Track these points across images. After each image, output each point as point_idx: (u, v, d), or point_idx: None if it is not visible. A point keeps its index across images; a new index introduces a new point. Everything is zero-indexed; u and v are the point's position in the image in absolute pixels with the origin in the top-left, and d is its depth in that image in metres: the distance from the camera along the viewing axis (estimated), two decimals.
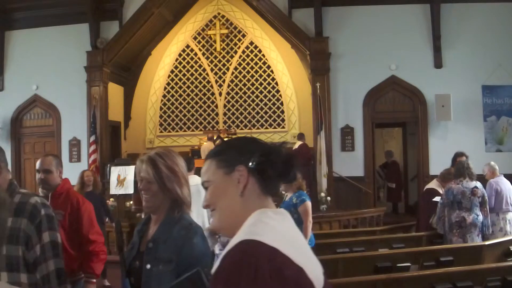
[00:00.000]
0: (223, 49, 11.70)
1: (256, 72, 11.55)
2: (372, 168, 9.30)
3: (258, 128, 11.53)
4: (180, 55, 11.85)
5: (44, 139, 10.29)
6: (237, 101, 11.65)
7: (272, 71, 11.49)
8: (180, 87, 11.85)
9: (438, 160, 7.96)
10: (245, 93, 11.59)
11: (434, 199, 5.41)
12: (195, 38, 11.84)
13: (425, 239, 5.22)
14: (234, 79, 11.65)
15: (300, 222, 4.15)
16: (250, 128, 11.49)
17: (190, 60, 11.84)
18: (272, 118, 11.51)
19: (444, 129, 8.99)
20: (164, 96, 11.88)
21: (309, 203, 4.27)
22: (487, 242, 4.51)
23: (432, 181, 5.97)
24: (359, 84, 9.15)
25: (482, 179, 5.93)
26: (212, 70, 11.76)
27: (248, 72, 11.58)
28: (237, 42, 11.65)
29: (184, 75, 11.85)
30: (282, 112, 11.47)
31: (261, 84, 11.52)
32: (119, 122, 11.26)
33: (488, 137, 8.89)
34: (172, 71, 11.88)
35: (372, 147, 9.35)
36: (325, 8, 9.35)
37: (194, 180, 4.42)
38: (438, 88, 8.81)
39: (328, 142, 8.98)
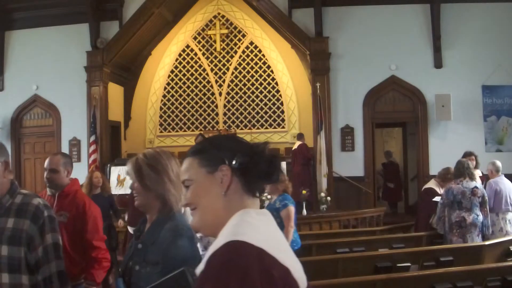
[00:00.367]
0: (223, 49, 11.70)
1: (256, 72, 11.54)
2: (372, 168, 9.30)
3: (258, 128, 11.53)
4: (180, 55, 11.85)
5: (44, 139, 10.29)
6: (237, 101, 11.64)
7: (272, 71, 11.48)
8: (180, 87, 11.84)
9: (438, 160, 7.96)
10: (245, 93, 11.59)
11: (434, 199, 5.42)
12: (195, 38, 11.84)
13: (425, 239, 5.22)
14: (234, 79, 11.65)
15: (282, 227, 4.07)
16: (250, 128, 11.48)
17: (190, 60, 11.84)
18: (272, 118, 11.50)
19: (444, 129, 8.99)
20: (164, 96, 11.88)
21: (292, 208, 4.16)
22: (487, 242, 4.51)
23: (431, 181, 5.98)
24: (359, 84, 9.15)
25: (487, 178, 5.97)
26: (212, 70, 11.76)
27: (248, 72, 11.58)
28: (237, 42, 11.65)
29: (184, 75, 11.85)
30: (282, 112, 11.47)
31: (261, 84, 11.51)
32: (119, 122, 11.25)
33: (488, 137, 8.89)
34: (172, 71, 11.87)
35: (372, 147, 9.35)
36: (325, 8, 9.35)
37: None
38: (438, 88, 8.81)
39: (328, 142, 8.98)
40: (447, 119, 8.71)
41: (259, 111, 11.53)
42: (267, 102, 11.50)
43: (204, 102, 11.77)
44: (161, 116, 11.91)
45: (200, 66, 11.79)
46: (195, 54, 11.82)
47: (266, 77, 11.50)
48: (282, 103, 11.45)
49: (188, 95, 11.80)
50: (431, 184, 5.83)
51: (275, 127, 11.51)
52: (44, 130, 10.26)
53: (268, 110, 11.51)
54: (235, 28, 11.64)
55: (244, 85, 11.58)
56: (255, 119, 11.55)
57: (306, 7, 9.42)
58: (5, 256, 1.86)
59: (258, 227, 1.05)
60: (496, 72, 8.74)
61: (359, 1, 9.25)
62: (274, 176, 1.17)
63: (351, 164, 9.11)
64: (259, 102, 11.52)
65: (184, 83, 11.82)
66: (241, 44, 11.62)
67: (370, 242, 5.11)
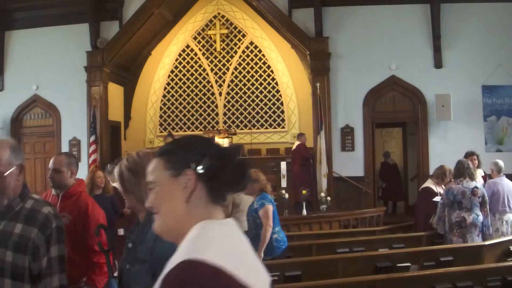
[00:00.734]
0: (223, 49, 11.70)
1: (256, 72, 11.55)
2: (372, 168, 9.30)
3: (258, 128, 11.53)
4: (180, 55, 11.86)
5: (44, 139, 10.29)
6: (237, 101, 11.65)
7: (272, 71, 11.49)
8: (180, 87, 11.85)
9: (438, 160, 7.95)
10: (245, 93, 11.59)
11: (434, 199, 5.42)
12: (195, 38, 11.85)
13: (425, 239, 5.22)
14: (234, 79, 11.65)
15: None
16: (250, 128, 11.49)
17: (190, 60, 11.84)
18: (272, 118, 11.50)
19: (444, 129, 8.99)
20: (164, 96, 11.89)
21: (269, 207, 4.09)
22: (487, 242, 4.51)
23: (427, 180, 5.99)
24: (359, 84, 9.15)
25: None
26: (212, 70, 11.76)
27: (248, 72, 11.58)
28: (237, 42, 11.65)
29: (184, 75, 11.85)
30: (282, 112, 11.47)
31: (261, 84, 11.51)
32: (119, 122, 11.25)
33: (488, 137, 8.90)
34: (172, 71, 11.88)
35: (372, 147, 9.35)
36: (325, 8, 9.35)
37: None
38: (438, 88, 8.81)
39: (328, 142, 8.98)
40: (447, 119, 8.71)
41: (259, 111, 11.53)
42: (267, 102, 11.50)
43: (204, 102, 11.77)
44: (161, 116, 11.91)
45: (200, 66, 11.80)
46: (195, 54, 11.83)
47: (266, 77, 11.50)
48: (282, 103, 11.45)
49: (188, 95, 11.81)
50: (428, 183, 5.84)
51: (275, 127, 11.51)
52: (44, 130, 10.25)
53: (268, 110, 11.51)
54: (235, 28, 11.64)
55: (244, 85, 11.58)
56: (255, 119, 11.55)
57: (306, 7, 9.42)
58: (9, 262, 1.83)
59: (220, 240, 0.99)
60: (496, 72, 8.74)
61: (359, 1, 9.25)
62: (241, 185, 1.12)
63: (351, 164, 9.10)
64: (259, 102, 11.52)
65: (184, 83, 11.82)
66: (241, 44, 11.63)
67: (370, 242, 5.11)
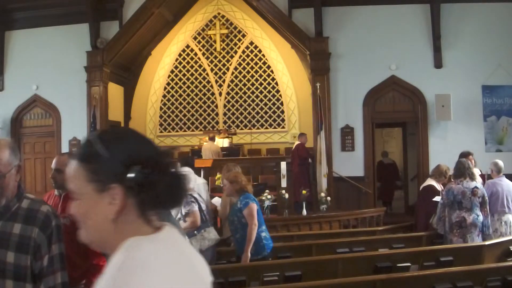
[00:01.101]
0: (223, 49, 11.70)
1: (256, 72, 11.55)
2: (372, 168, 9.29)
3: (258, 128, 11.53)
4: (180, 55, 11.86)
5: (44, 139, 10.29)
6: (237, 101, 11.65)
7: (272, 71, 11.49)
8: (180, 87, 11.85)
9: (438, 160, 7.92)
10: (245, 93, 11.59)
11: (434, 199, 5.42)
12: (195, 38, 11.85)
13: (425, 239, 5.22)
14: (234, 79, 11.66)
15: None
16: (250, 128, 11.49)
17: (190, 60, 11.85)
18: (272, 118, 11.51)
19: (444, 129, 8.99)
20: (164, 96, 11.89)
21: (253, 205, 4.11)
22: (487, 242, 4.51)
23: (428, 179, 5.97)
24: (359, 84, 9.15)
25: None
26: (212, 70, 11.77)
27: (248, 72, 11.59)
28: (237, 42, 11.66)
29: (184, 75, 11.85)
30: (282, 112, 11.48)
31: (261, 84, 11.52)
32: (119, 122, 11.25)
33: (488, 137, 8.89)
34: (172, 71, 11.88)
35: (372, 147, 9.35)
36: (325, 8, 9.35)
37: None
38: (438, 88, 8.81)
39: (328, 142, 8.97)
40: (447, 119, 8.71)
41: (259, 111, 11.54)
42: (267, 102, 11.50)
43: (204, 102, 11.77)
44: (161, 116, 11.91)
45: (200, 66, 11.80)
46: (195, 54, 11.83)
47: (266, 77, 11.50)
48: (282, 103, 11.46)
49: (188, 95, 11.81)
50: (430, 181, 5.83)
51: (275, 127, 11.52)
52: (44, 130, 10.25)
53: (268, 110, 11.52)
54: (235, 28, 11.64)
55: (244, 85, 11.59)
56: (255, 119, 11.55)
57: (306, 7, 9.41)
58: (11, 263, 1.83)
59: (149, 264, 0.86)
60: (496, 72, 8.74)
61: (359, 1, 9.25)
62: (175, 203, 0.98)
63: (351, 164, 9.10)
64: (259, 102, 11.52)
65: (184, 83, 11.83)
66: (241, 44, 11.63)
67: (370, 242, 5.11)
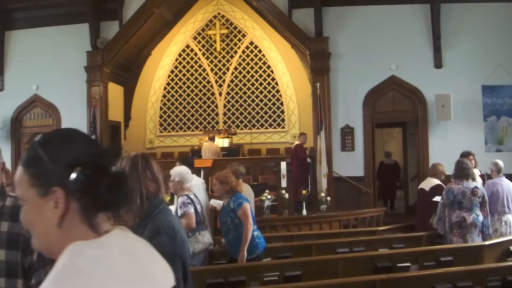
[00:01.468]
0: (223, 49, 11.71)
1: (256, 72, 11.55)
2: (372, 168, 9.29)
3: (258, 128, 11.53)
4: (180, 55, 11.86)
5: None
6: (237, 101, 11.65)
7: (272, 71, 11.49)
8: (180, 87, 11.85)
9: (438, 160, 7.91)
10: (245, 93, 11.60)
11: (434, 199, 5.41)
12: (195, 38, 11.85)
13: (425, 239, 5.22)
14: (234, 79, 11.66)
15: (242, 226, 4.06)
16: (250, 128, 11.49)
17: (190, 60, 11.85)
18: (272, 118, 11.51)
19: (444, 129, 8.99)
20: (164, 96, 11.89)
21: (247, 205, 4.12)
22: (487, 242, 4.51)
23: (431, 179, 5.91)
24: (359, 84, 9.15)
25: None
26: (212, 70, 11.77)
27: (248, 72, 11.59)
28: (237, 42, 11.66)
29: (184, 75, 11.85)
30: (282, 112, 11.48)
31: (261, 84, 11.52)
32: (119, 122, 11.26)
33: (488, 137, 8.89)
34: (172, 71, 11.88)
35: (372, 147, 9.34)
36: (325, 8, 9.35)
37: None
38: (438, 88, 8.81)
39: (328, 142, 8.97)
40: (447, 119, 8.71)
41: (259, 111, 11.54)
42: (267, 102, 11.50)
43: (204, 102, 11.78)
44: (161, 116, 11.92)
45: (200, 66, 11.80)
46: (195, 54, 11.83)
47: (266, 77, 11.51)
48: (282, 103, 11.46)
49: (188, 95, 11.81)
50: (436, 181, 5.79)
51: (275, 127, 11.52)
52: (44, 130, 10.17)
53: (268, 110, 11.52)
54: (235, 28, 11.65)
55: (244, 85, 11.59)
56: (255, 119, 11.55)
57: (306, 7, 9.41)
58: (3, 261, 1.84)
59: (87, 271, 0.84)
60: (496, 72, 8.74)
61: (359, 1, 9.24)
62: (118, 205, 0.94)
63: (351, 164, 9.10)
64: (259, 102, 11.53)
65: (184, 83, 11.83)
66: (241, 44, 11.63)
67: (370, 242, 5.10)
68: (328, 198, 8.12)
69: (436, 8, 8.86)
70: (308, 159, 8.86)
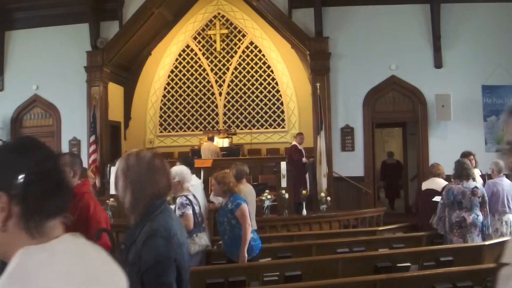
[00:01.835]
0: (223, 49, 11.71)
1: (256, 72, 11.55)
2: (372, 168, 9.29)
3: (258, 128, 11.53)
4: (180, 55, 11.86)
5: (44, 139, 10.05)
6: (237, 101, 11.65)
7: (272, 71, 11.49)
8: (180, 87, 11.85)
9: (438, 160, 7.92)
10: (245, 93, 11.60)
11: (434, 199, 5.41)
12: (195, 38, 11.85)
13: (425, 239, 5.22)
14: (234, 79, 11.66)
15: (240, 227, 4.05)
16: (250, 128, 11.49)
17: (190, 60, 11.85)
18: (272, 118, 11.51)
19: (444, 129, 8.99)
20: (164, 96, 11.89)
21: (245, 206, 4.10)
22: (487, 242, 4.52)
23: (436, 179, 5.88)
24: (359, 84, 9.15)
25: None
26: (212, 70, 11.77)
27: (248, 72, 11.59)
28: (237, 42, 11.66)
29: (184, 75, 11.85)
30: (282, 112, 11.48)
31: (261, 84, 11.52)
32: (119, 122, 11.25)
33: (488, 137, 8.90)
34: (172, 71, 11.88)
35: (372, 147, 9.34)
36: (325, 8, 9.35)
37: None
38: (438, 88, 8.81)
39: (328, 142, 8.97)
40: (447, 119, 8.71)
41: (259, 111, 11.54)
42: (267, 102, 11.50)
43: (204, 102, 11.78)
44: (161, 116, 11.92)
45: (200, 66, 11.80)
46: (195, 54, 11.83)
47: (266, 77, 11.51)
48: (282, 103, 11.46)
49: (188, 95, 11.81)
50: (443, 181, 5.77)
51: (275, 127, 11.52)
52: (44, 130, 10.25)
53: (268, 110, 11.52)
54: (235, 28, 11.65)
55: (244, 85, 11.59)
56: (255, 119, 11.55)
57: (306, 7, 9.42)
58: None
59: (39, 275, 0.86)
60: (496, 72, 8.74)
61: (359, 1, 9.25)
62: (60, 209, 0.97)
63: (351, 164, 9.10)
64: (259, 102, 11.53)
65: (184, 83, 11.83)
66: (241, 44, 11.63)
67: (370, 242, 5.10)
68: (328, 198, 8.12)
69: (436, 8, 8.86)
70: (304, 160, 8.76)
